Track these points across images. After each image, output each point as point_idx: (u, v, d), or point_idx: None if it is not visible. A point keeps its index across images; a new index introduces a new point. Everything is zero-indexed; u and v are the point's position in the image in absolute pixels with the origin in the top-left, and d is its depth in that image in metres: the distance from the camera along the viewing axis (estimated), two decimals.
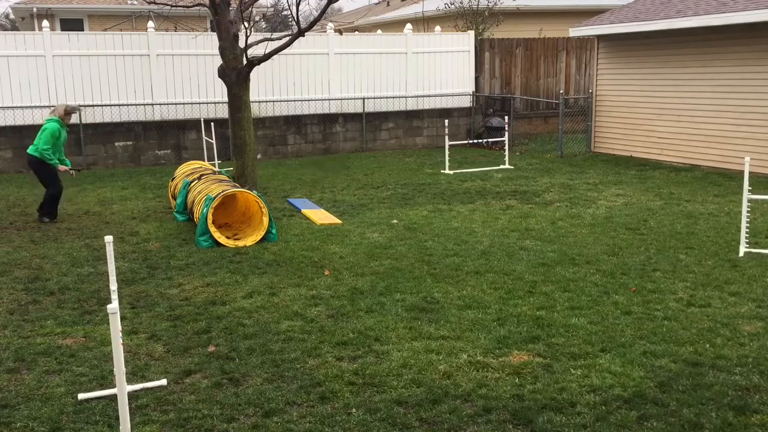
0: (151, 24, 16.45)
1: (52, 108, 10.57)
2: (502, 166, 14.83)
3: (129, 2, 26.21)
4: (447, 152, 14.73)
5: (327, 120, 17.59)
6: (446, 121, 15.81)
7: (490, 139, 17.76)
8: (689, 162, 14.52)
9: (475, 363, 5.27)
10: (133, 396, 4.76)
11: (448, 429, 4.40)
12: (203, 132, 15.17)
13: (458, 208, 10.83)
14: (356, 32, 24.61)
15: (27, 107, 15.30)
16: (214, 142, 14.70)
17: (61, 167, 10.19)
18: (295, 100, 17.33)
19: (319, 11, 11.45)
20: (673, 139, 14.92)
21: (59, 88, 15.53)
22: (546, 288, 6.96)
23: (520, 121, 19.66)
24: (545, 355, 5.40)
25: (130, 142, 15.90)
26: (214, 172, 10.97)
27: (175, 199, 10.67)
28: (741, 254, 7.95)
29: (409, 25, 18.83)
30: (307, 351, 5.56)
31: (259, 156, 14.11)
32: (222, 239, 8.79)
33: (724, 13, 13.03)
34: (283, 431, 4.39)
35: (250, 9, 11.97)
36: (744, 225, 8.02)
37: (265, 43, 11.66)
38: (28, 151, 10.27)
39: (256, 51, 11.64)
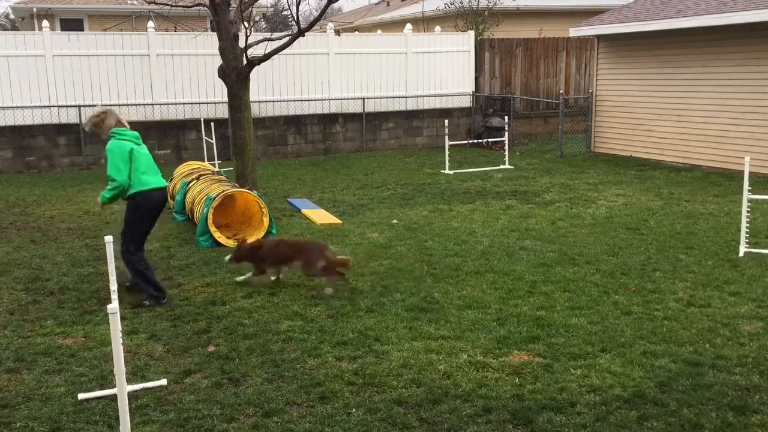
0: (151, 24, 16.46)
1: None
2: (502, 166, 14.83)
3: (129, 2, 26.20)
4: (447, 152, 14.73)
5: (327, 120, 17.59)
6: (446, 121, 15.81)
7: (490, 139, 17.76)
8: (689, 162, 14.52)
9: (475, 363, 5.27)
10: (133, 396, 4.76)
11: (448, 429, 4.40)
12: (203, 132, 15.18)
13: (458, 208, 10.82)
14: (356, 32, 24.60)
15: (27, 107, 15.31)
16: (214, 142, 14.70)
17: None
18: (295, 100, 17.32)
19: (319, 11, 11.44)
20: (673, 139, 14.92)
21: (59, 88, 15.52)
22: (546, 288, 6.96)
23: (520, 121, 19.65)
24: (545, 355, 5.39)
25: None
26: (213, 173, 10.97)
27: (173, 200, 10.66)
28: (741, 254, 7.95)
29: (409, 25, 18.83)
30: (307, 351, 5.56)
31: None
32: (222, 239, 8.79)
33: (724, 13, 13.03)
34: (283, 431, 4.39)
35: (250, 9, 11.96)
36: (744, 225, 8.02)
37: (265, 43, 11.65)
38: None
39: (256, 51, 11.62)
